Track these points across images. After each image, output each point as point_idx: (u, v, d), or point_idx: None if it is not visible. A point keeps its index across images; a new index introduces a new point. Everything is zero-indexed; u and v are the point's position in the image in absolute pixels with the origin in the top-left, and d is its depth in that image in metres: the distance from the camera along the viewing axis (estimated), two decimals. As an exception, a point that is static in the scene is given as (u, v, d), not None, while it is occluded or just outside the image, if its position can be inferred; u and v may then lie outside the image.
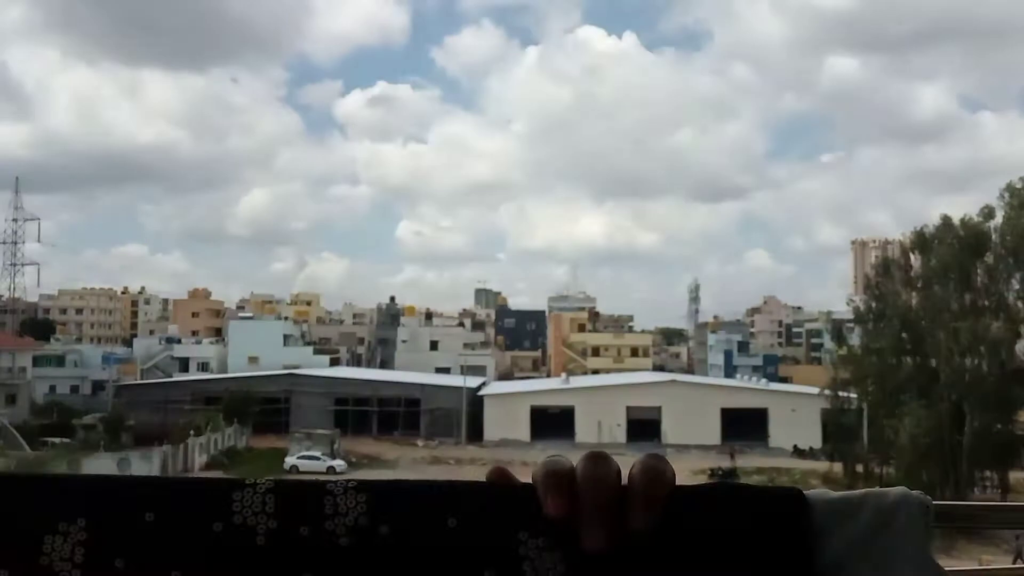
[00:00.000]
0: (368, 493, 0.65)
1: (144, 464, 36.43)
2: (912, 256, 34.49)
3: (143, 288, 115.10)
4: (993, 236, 32.14)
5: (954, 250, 31.99)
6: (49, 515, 0.62)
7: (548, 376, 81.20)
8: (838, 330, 43.33)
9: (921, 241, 33.67)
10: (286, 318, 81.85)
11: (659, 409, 53.07)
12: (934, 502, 0.69)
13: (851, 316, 38.70)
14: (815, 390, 42.30)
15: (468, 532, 0.64)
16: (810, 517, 0.67)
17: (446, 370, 68.41)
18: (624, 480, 0.66)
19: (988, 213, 32.08)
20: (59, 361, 62.55)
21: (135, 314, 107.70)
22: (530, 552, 0.64)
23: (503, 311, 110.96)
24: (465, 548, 0.63)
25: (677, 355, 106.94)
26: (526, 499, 0.65)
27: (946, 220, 32.95)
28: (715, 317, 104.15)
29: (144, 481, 0.65)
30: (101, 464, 34.21)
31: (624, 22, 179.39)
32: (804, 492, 0.69)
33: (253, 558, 0.63)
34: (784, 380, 71.01)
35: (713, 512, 0.65)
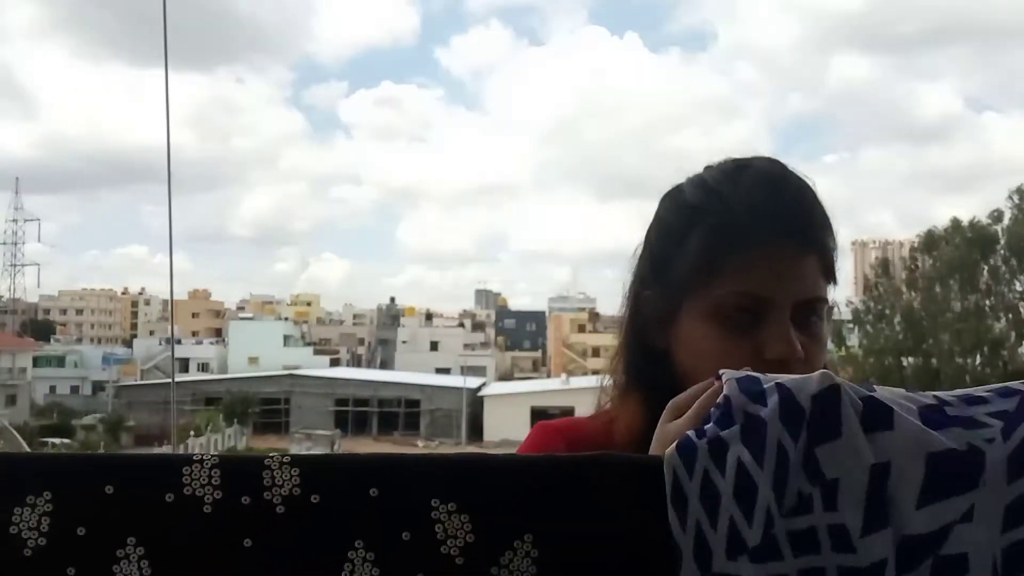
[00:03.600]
0: (301, 467, 0.71)
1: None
2: (919, 257, 34.48)
3: (143, 289, 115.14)
4: (1000, 238, 32.18)
5: (961, 251, 32.03)
6: (18, 489, 0.68)
7: (548, 377, 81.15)
8: (837, 331, 43.34)
9: (930, 242, 33.69)
10: (286, 319, 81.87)
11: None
12: None
13: (850, 317, 38.69)
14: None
15: (388, 499, 0.71)
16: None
17: (446, 371, 68.40)
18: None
19: (997, 216, 32.20)
20: (59, 362, 62.60)
21: (135, 315, 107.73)
22: (441, 515, 0.71)
23: (503, 312, 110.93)
24: (385, 513, 0.70)
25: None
26: (438, 469, 0.73)
27: (955, 222, 33.01)
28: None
29: (104, 458, 0.71)
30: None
31: (629, 23, 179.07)
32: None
33: (201, 525, 0.69)
34: (784, 381, 70.90)
35: (586, 479, 0.72)
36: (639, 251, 1.12)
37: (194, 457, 0.71)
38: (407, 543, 0.71)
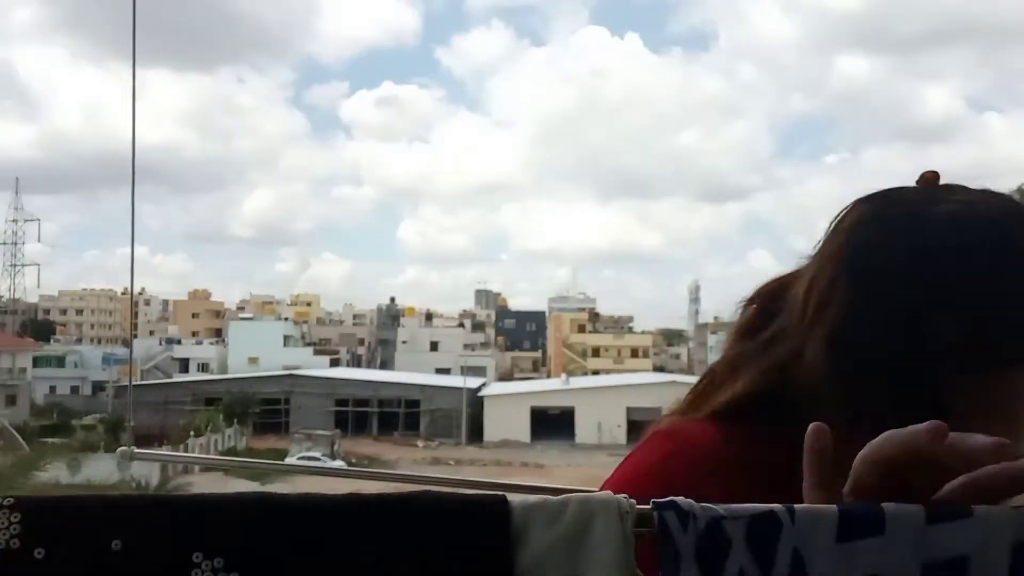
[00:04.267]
0: (23, 511, 0.56)
1: (144, 465, 36.40)
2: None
3: (143, 289, 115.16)
4: None
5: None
6: None
7: (548, 377, 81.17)
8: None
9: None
10: (286, 319, 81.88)
11: (659, 410, 51.92)
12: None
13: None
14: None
15: (135, 555, 0.56)
16: (511, 523, 0.62)
17: (446, 371, 68.43)
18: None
19: None
20: (59, 362, 62.62)
21: (135, 315, 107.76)
22: (205, 575, 0.57)
23: (503, 312, 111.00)
24: (132, 572, 0.56)
25: (677, 356, 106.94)
26: (201, 514, 0.58)
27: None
28: (715, 318, 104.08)
29: None
30: (101, 464, 34.14)
31: (631, 23, 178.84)
32: (508, 498, 0.64)
33: None
34: (784, 381, 71.01)
35: (416, 523, 0.60)
36: (881, 249, 0.87)
37: None
38: None
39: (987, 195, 0.90)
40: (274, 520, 0.57)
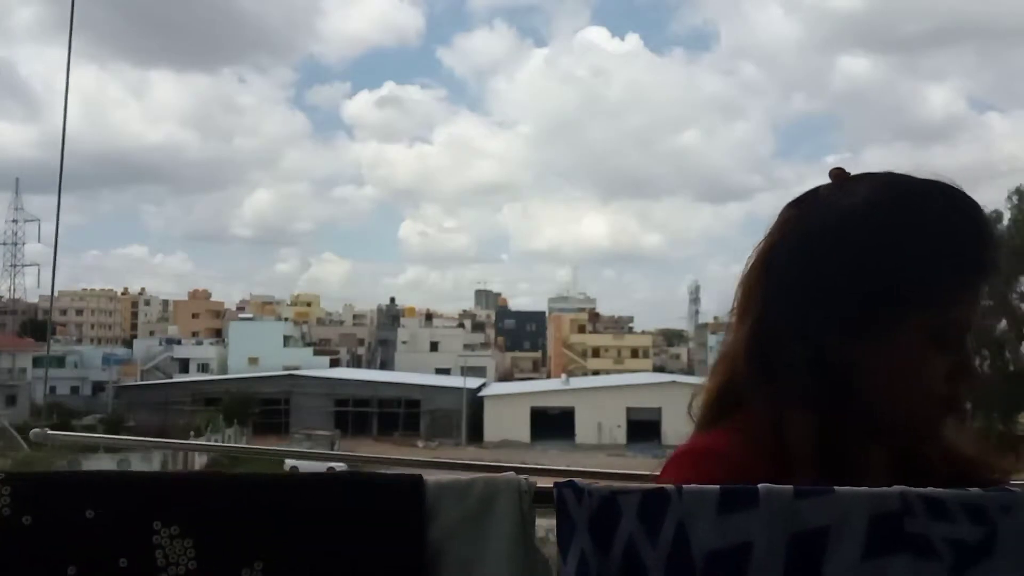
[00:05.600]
0: (12, 485, 0.67)
1: (144, 465, 36.36)
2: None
3: (143, 289, 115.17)
4: (1001, 239, 32.30)
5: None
6: None
7: (548, 377, 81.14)
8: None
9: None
10: (286, 319, 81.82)
11: (659, 410, 53.00)
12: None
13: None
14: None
15: (104, 522, 0.66)
16: (424, 499, 0.71)
17: (446, 371, 68.39)
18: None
19: (996, 217, 32.28)
20: (59, 362, 62.53)
21: (135, 315, 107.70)
22: (163, 540, 0.66)
23: (503, 312, 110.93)
24: (101, 536, 0.65)
25: (677, 356, 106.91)
26: (160, 489, 0.68)
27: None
28: (715, 318, 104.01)
29: None
30: (100, 465, 34.16)
31: (632, 23, 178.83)
32: (424, 477, 0.73)
33: None
34: (784, 381, 70.98)
35: (337, 499, 0.69)
36: (788, 242, 1.02)
37: None
38: (124, 570, 0.66)
39: (890, 175, 1.04)
40: (217, 494, 0.68)
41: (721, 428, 1.00)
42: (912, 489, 0.71)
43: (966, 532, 0.67)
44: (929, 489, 0.71)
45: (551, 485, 0.72)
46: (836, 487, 0.70)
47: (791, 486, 0.70)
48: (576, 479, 0.71)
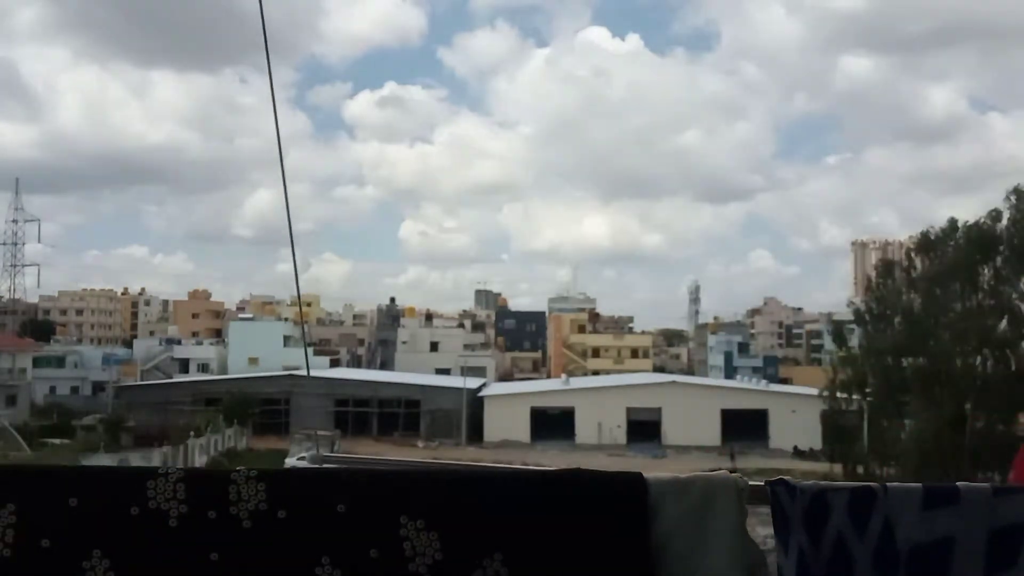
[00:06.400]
0: (267, 482, 0.71)
1: (142, 463, 36.31)
2: (917, 258, 34.48)
3: (143, 289, 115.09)
4: (1002, 238, 32.16)
5: (960, 252, 32.05)
6: None
7: (548, 377, 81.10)
8: (838, 331, 43.35)
9: (926, 243, 33.72)
10: (286, 319, 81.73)
11: (659, 410, 52.99)
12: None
13: (851, 317, 38.70)
14: (815, 391, 42.28)
15: (356, 516, 0.70)
16: (648, 496, 0.75)
17: (446, 371, 68.35)
18: None
19: (996, 216, 32.19)
20: (59, 362, 62.49)
21: (135, 315, 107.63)
22: (410, 533, 0.71)
23: (503, 312, 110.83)
24: (353, 529, 0.70)
25: (677, 356, 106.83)
26: (406, 485, 0.72)
27: (952, 223, 33.03)
28: (715, 318, 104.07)
29: (67, 469, 0.70)
30: (101, 464, 34.11)
31: (634, 23, 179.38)
32: (644, 475, 0.76)
33: (166, 539, 0.70)
34: (784, 381, 70.95)
35: (568, 493, 0.73)
36: None
37: (159, 470, 0.71)
38: (374, 560, 0.70)
39: None
40: (460, 489, 0.71)
41: None
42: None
43: None
44: None
45: (762, 483, 0.76)
46: None
47: (989, 484, 0.72)
48: (786, 477, 0.76)
